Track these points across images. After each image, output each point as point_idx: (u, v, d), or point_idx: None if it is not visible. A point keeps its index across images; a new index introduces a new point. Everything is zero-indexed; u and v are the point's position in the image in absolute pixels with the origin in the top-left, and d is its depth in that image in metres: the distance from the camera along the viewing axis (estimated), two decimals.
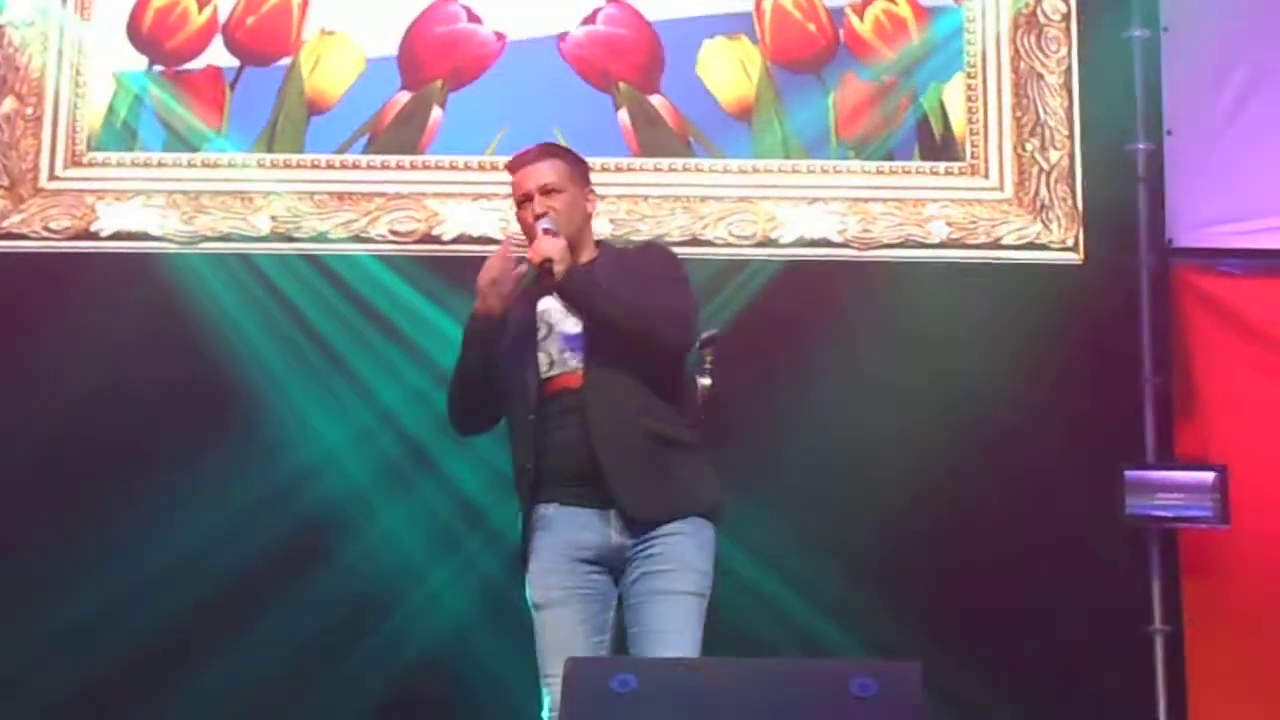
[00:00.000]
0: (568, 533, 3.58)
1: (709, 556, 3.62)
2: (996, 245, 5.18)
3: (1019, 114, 5.26)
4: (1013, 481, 4.94)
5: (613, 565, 3.60)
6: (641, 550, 3.57)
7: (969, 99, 5.29)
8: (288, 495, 4.84)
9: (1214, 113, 5.30)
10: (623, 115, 5.25)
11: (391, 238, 5.17)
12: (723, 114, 5.26)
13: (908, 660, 3.81)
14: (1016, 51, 5.30)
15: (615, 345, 3.56)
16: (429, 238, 5.18)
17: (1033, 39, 5.31)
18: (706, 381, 4.20)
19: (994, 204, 5.21)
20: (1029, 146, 5.25)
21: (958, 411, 4.95)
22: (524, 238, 3.71)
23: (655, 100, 5.26)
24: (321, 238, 5.16)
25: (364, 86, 5.26)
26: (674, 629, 3.55)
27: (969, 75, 5.30)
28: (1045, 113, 5.27)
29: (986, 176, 5.24)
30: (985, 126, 5.27)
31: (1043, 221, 5.21)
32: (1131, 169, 5.22)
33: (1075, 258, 5.20)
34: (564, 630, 3.54)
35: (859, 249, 5.16)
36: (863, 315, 5.06)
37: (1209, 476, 4.96)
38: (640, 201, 5.19)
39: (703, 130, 5.24)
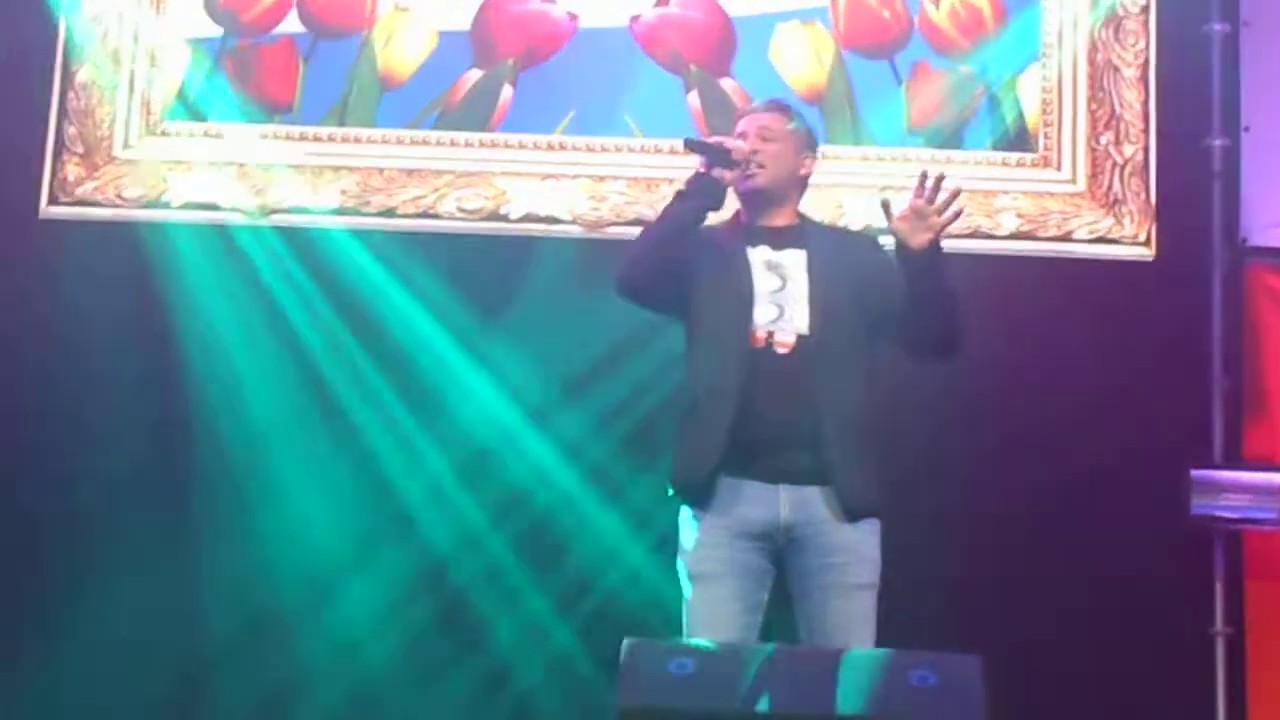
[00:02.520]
0: (736, 505, 3.53)
1: (878, 547, 3.60)
2: (1067, 239, 5.13)
3: (1094, 107, 5.21)
4: (1078, 477, 4.90)
5: (776, 543, 3.54)
6: (813, 535, 3.53)
7: (1044, 90, 5.24)
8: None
9: None
10: (693, 98, 5.23)
11: (459, 214, 5.18)
12: (795, 98, 5.20)
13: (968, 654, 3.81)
14: (1093, 44, 5.24)
15: (849, 316, 3.57)
16: (496, 215, 5.18)
17: (1110, 31, 5.25)
18: None
19: (1066, 197, 5.15)
20: (1103, 140, 5.19)
21: (1023, 405, 4.92)
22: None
23: (726, 84, 5.24)
24: (390, 213, 5.17)
25: (436, 63, 5.27)
26: (855, 625, 3.54)
27: (1044, 67, 5.25)
28: (1121, 106, 5.21)
29: (1059, 169, 5.19)
30: (1059, 119, 5.22)
31: (1115, 216, 5.16)
32: (1207, 165, 5.16)
33: (1147, 253, 5.14)
34: (721, 605, 3.50)
35: None
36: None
37: (1276, 478, 4.91)
38: None
39: None
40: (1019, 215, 5.15)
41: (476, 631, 4.86)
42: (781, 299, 3.60)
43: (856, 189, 5.15)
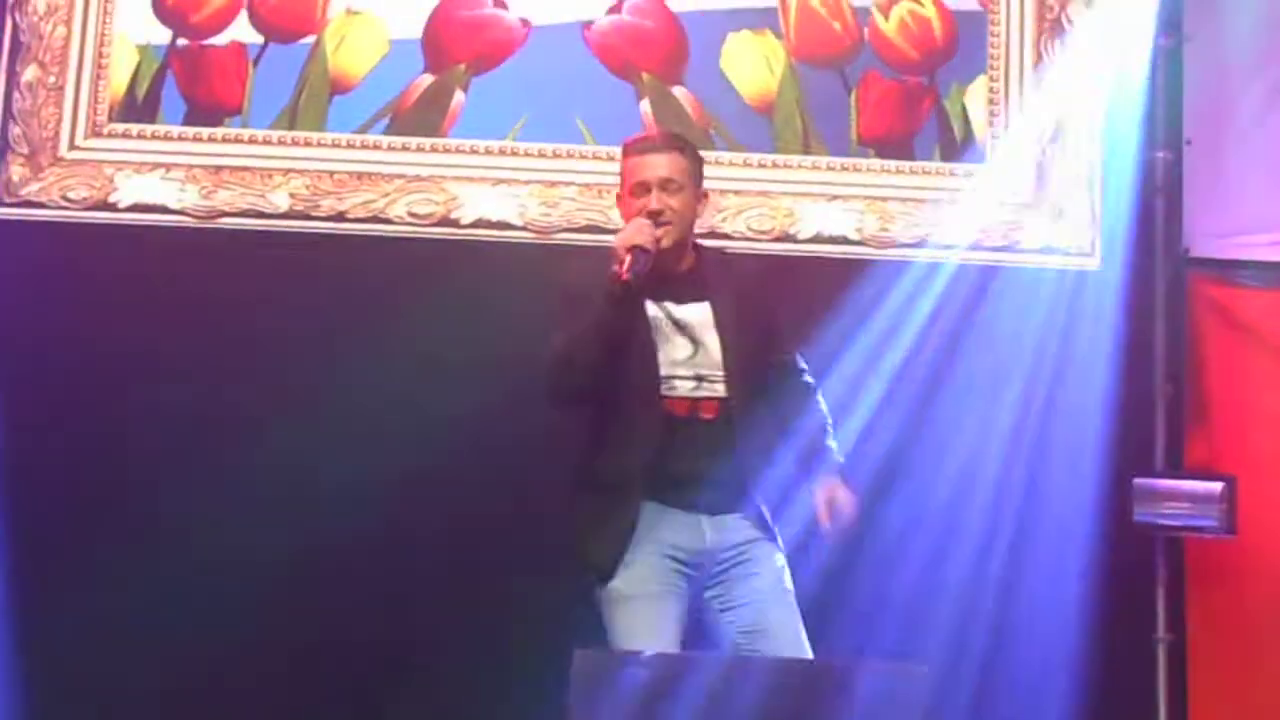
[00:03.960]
0: (667, 532, 3.58)
1: None
2: (1015, 248, 5.18)
3: (1040, 118, 5.26)
4: (1021, 484, 4.95)
5: (702, 567, 3.61)
6: (739, 554, 3.61)
7: (990, 102, 5.29)
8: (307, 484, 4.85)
9: (1234, 123, 5.31)
10: (645, 106, 5.25)
11: (409, 219, 5.17)
12: (745, 108, 5.26)
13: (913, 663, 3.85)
14: (1039, 56, 5.30)
15: (757, 368, 3.61)
16: (447, 221, 5.18)
17: (1056, 44, 5.31)
18: None
19: (1013, 207, 5.21)
20: (1049, 151, 5.25)
21: (967, 412, 4.96)
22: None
23: (678, 92, 5.26)
24: (340, 217, 5.16)
25: (387, 68, 5.25)
26: (798, 626, 3.63)
27: (991, 78, 5.30)
28: (1066, 117, 5.27)
29: (1005, 179, 5.24)
30: (1006, 130, 5.27)
31: (1060, 225, 5.22)
32: (1151, 177, 5.23)
33: (1092, 263, 5.20)
34: (659, 622, 3.55)
35: (876, 247, 5.17)
36: (877, 313, 5.06)
37: (1217, 487, 4.97)
38: None
39: (724, 123, 5.25)
40: (964, 225, 5.20)
41: (424, 636, 4.85)
42: (698, 366, 3.57)
43: (806, 198, 5.19)
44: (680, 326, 3.60)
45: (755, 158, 5.22)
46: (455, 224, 5.18)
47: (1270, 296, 5.26)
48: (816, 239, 5.19)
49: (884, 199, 5.20)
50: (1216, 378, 5.22)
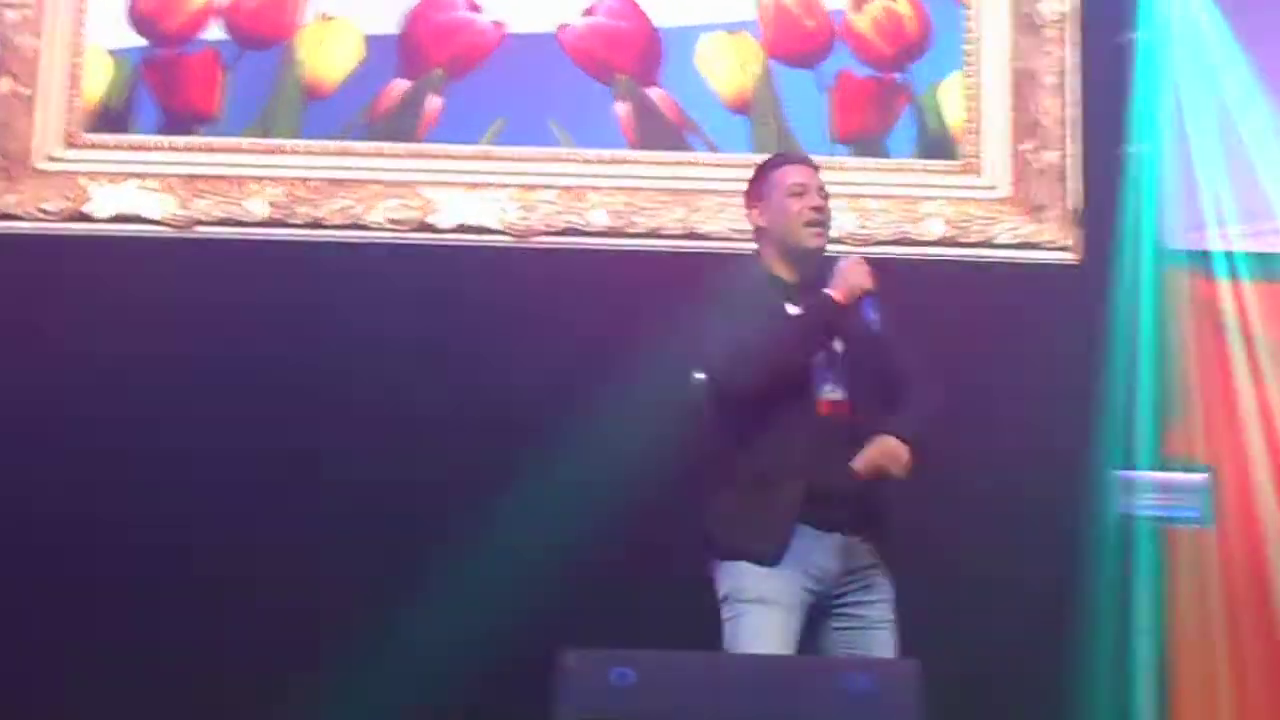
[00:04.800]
0: (807, 552, 3.70)
1: None
2: (991, 244, 5.20)
3: (1016, 114, 5.29)
4: (1003, 477, 4.96)
5: (825, 587, 3.73)
6: (858, 580, 3.74)
7: (966, 98, 5.31)
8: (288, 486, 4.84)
9: (1207, 116, 5.33)
10: (621, 107, 5.25)
11: (388, 225, 5.16)
12: (721, 108, 5.27)
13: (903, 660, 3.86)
14: (1014, 52, 5.31)
15: (872, 377, 3.74)
16: (425, 226, 5.17)
17: (1030, 40, 5.33)
18: (702, 377, 4.23)
19: (989, 203, 5.23)
20: (1024, 147, 5.27)
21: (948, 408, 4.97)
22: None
23: (654, 93, 5.26)
24: (317, 225, 5.15)
25: (362, 73, 5.25)
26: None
27: (966, 74, 5.32)
28: (1041, 113, 5.29)
29: (981, 175, 5.26)
30: (981, 126, 5.29)
31: (1038, 221, 5.23)
32: (1126, 171, 5.25)
33: (1070, 258, 5.23)
34: (785, 635, 3.66)
35: (855, 245, 5.17)
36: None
37: (1197, 478, 5.00)
38: (637, 194, 5.19)
39: (701, 124, 5.25)
40: (945, 221, 5.22)
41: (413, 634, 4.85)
42: (831, 366, 3.73)
43: None
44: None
45: (732, 158, 5.22)
46: (433, 229, 5.17)
47: (1245, 288, 5.28)
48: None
49: (861, 196, 5.21)
50: (1196, 369, 5.24)
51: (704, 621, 3.91)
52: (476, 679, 4.73)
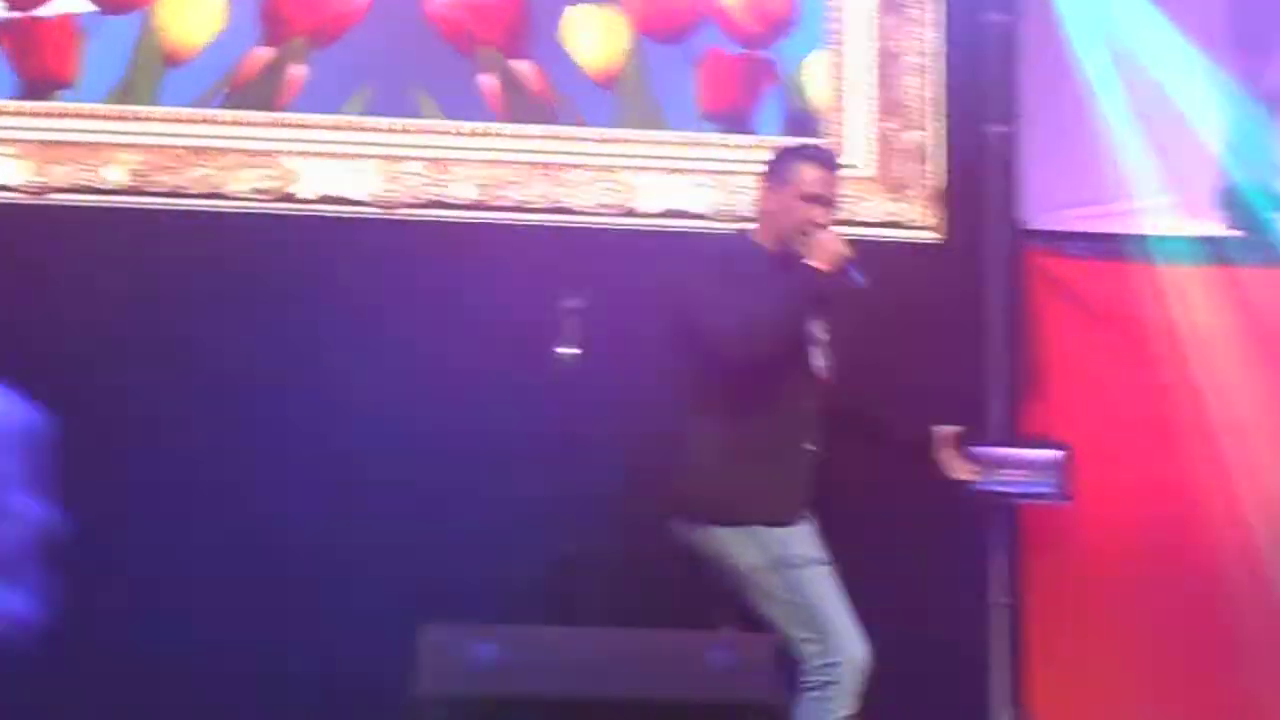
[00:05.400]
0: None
1: None
2: (855, 223, 5.23)
3: (880, 93, 5.33)
4: (863, 452, 5.00)
5: None
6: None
7: (832, 76, 5.34)
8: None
9: (1066, 98, 5.42)
10: (486, 79, 5.22)
11: (249, 195, 5.09)
12: (588, 81, 5.25)
13: (762, 634, 3.89)
14: (879, 31, 5.36)
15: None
16: (287, 196, 5.10)
17: (894, 19, 5.37)
18: (570, 351, 4.23)
19: (853, 181, 5.26)
20: (889, 126, 5.32)
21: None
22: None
23: (520, 65, 5.23)
24: (177, 193, 5.06)
25: (223, 40, 5.15)
26: None
27: (832, 53, 5.35)
28: (905, 93, 5.34)
29: (846, 154, 5.30)
30: (846, 105, 5.33)
31: (901, 200, 5.29)
32: (987, 151, 5.32)
33: (932, 236, 5.29)
34: (838, 588, 3.76)
35: (721, 221, 5.20)
36: None
37: (1052, 454, 5.08)
38: (503, 167, 5.17)
39: (568, 97, 5.24)
40: None
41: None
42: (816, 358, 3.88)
43: (649, 172, 5.21)
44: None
45: (599, 132, 5.22)
46: (295, 199, 5.10)
47: (1103, 268, 5.38)
48: (661, 213, 5.20)
49: (727, 173, 5.23)
50: (1051, 347, 5.33)
51: (574, 598, 3.94)
52: (338, 656, 4.70)
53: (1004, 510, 5.21)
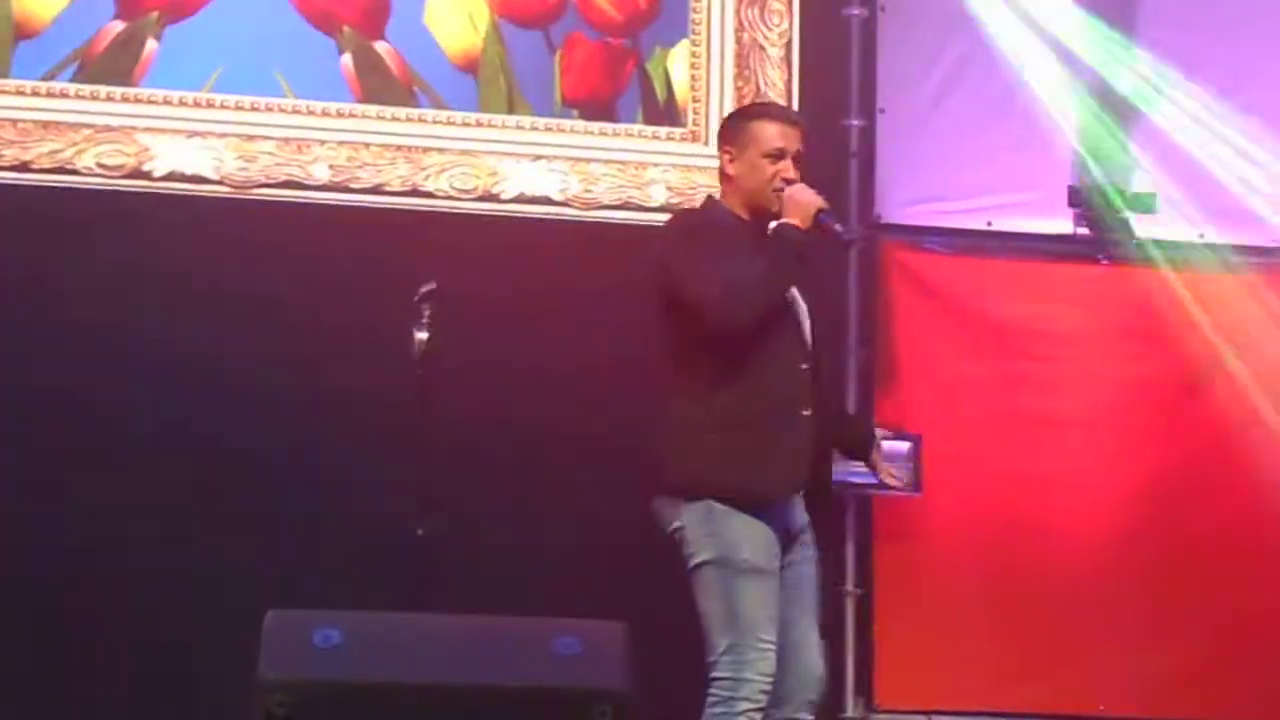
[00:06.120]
0: (778, 515, 3.54)
1: None
2: None
3: (740, 84, 5.35)
4: None
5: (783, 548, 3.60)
6: (803, 538, 3.60)
7: (693, 66, 5.36)
8: None
9: (924, 94, 5.49)
10: (346, 60, 5.16)
11: (99, 171, 4.99)
12: (449, 65, 5.22)
13: (609, 620, 3.89)
14: (740, 23, 5.38)
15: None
16: (139, 173, 5.01)
17: (756, 11, 5.40)
18: (423, 336, 4.20)
19: (713, 171, 5.23)
20: None
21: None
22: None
23: (380, 47, 5.18)
24: (24, 168, 4.94)
25: (75, 12, 5.04)
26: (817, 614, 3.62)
27: (694, 43, 5.37)
28: (765, 84, 5.37)
29: (706, 144, 5.31)
30: (707, 95, 5.35)
31: None
32: (845, 144, 5.37)
33: None
34: (775, 601, 3.48)
35: (580, 208, 5.19)
36: (580, 273, 5.09)
37: (904, 446, 5.14)
38: (362, 149, 5.11)
39: (428, 81, 5.19)
40: (668, 188, 5.27)
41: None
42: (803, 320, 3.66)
43: (511, 157, 5.19)
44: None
45: (459, 116, 5.19)
46: (147, 176, 5.01)
47: (956, 261, 5.46)
48: (520, 199, 5.18)
49: (588, 160, 5.22)
50: (905, 340, 5.40)
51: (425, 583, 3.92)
52: (185, 642, 4.65)
53: (857, 501, 5.26)
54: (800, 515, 3.59)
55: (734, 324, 3.54)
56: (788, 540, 3.55)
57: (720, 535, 3.49)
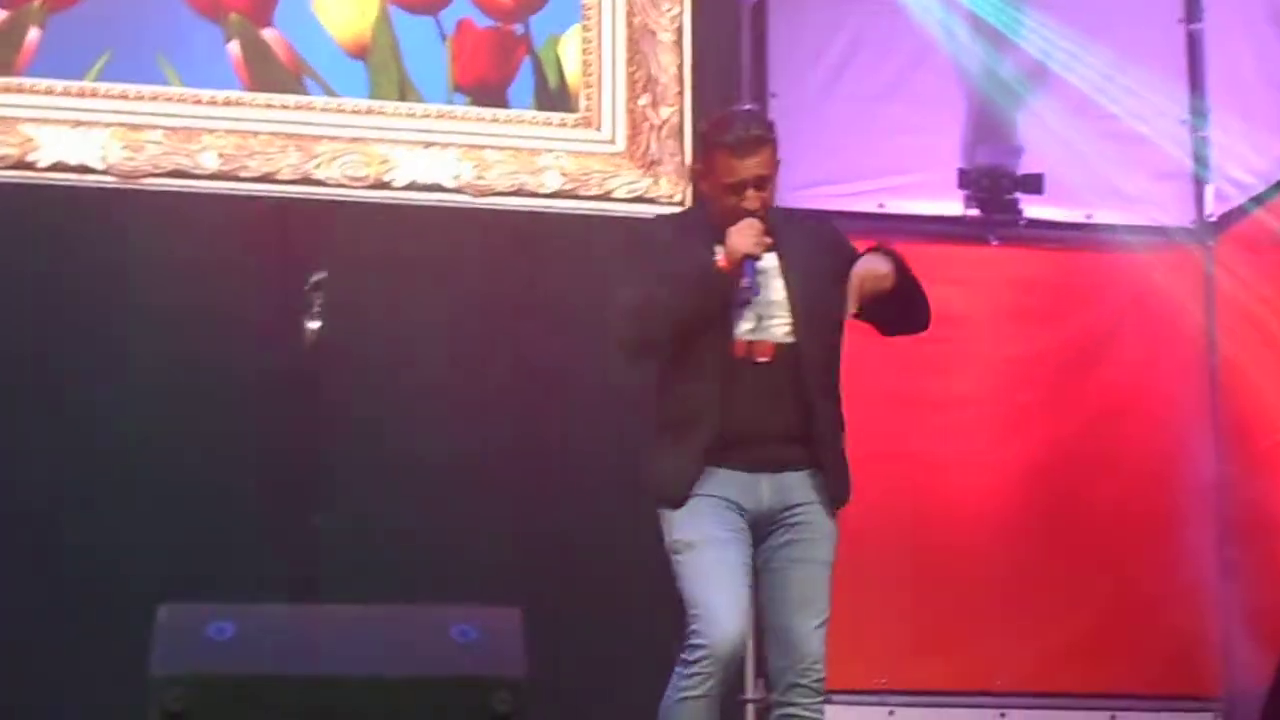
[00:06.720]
0: (722, 489, 3.53)
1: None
2: (608, 198, 5.26)
3: (632, 69, 5.36)
4: (632, 427, 5.03)
5: (757, 524, 3.56)
6: (789, 515, 3.55)
7: (585, 52, 5.35)
8: None
9: (815, 78, 5.52)
10: (233, 47, 5.11)
11: None
12: (339, 52, 5.18)
13: (506, 607, 3.88)
14: (632, 7, 5.38)
15: (825, 318, 3.57)
16: (23, 164, 4.93)
17: None
18: (315, 325, 4.17)
19: (606, 157, 5.29)
20: (641, 102, 5.35)
21: (572, 361, 5.02)
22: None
23: (268, 34, 5.14)
24: None
25: None
26: (817, 596, 3.57)
27: (585, 28, 5.36)
28: (657, 69, 5.38)
29: (599, 129, 5.32)
30: (599, 80, 5.35)
31: (653, 176, 5.32)
32: None
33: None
34: (726, 570, 3.47)
35: (473, 195, 5.17)
36: (474, 260, 5.08)
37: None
38: (250, 137, 5.07)
39: (317, 68, 5.16)
40: (562, 174, 5.26)
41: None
42: (759, 307, 3.57)
43: (402, 145, 5.16)
44: (773, 276, 3.61)
45: (350, 103, 5.16)
46: (32, 167, 4.94)
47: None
48: (412, 186, 5.16)
49: (480, 147, 5.21)
50: None
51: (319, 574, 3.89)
52: (76, 637, 4.59)
53: None
54: (778, 496, 3.57)
55: (626, 346, 3.63)
56: (770, 524, 3.57)
57: (670, 527, 3.56)
